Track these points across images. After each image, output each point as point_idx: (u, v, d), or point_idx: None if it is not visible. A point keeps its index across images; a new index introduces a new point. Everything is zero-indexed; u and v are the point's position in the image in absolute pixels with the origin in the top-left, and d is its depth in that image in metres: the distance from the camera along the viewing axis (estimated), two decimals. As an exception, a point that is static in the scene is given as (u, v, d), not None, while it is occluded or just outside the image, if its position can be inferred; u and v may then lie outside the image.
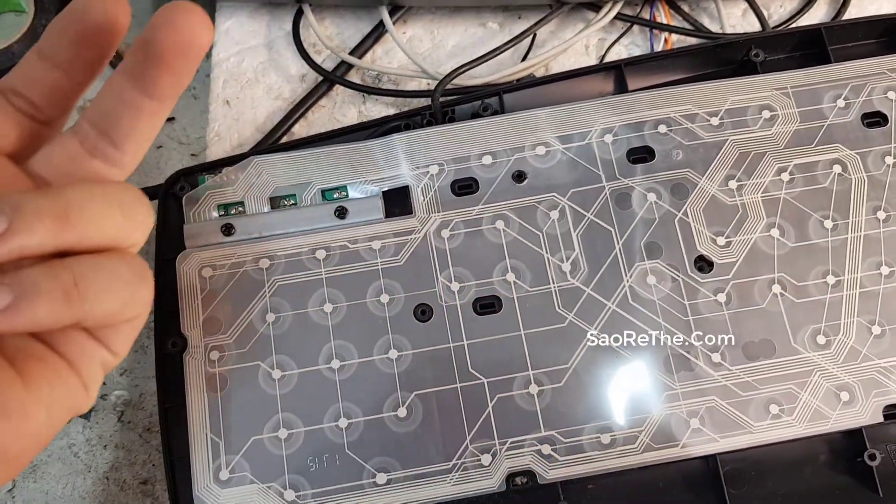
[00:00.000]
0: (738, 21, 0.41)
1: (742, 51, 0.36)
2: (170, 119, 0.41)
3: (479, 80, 0.39)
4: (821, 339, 0.31)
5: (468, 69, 0.37)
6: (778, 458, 0.31)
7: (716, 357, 0.31)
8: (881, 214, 0.33)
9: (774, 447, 0.31)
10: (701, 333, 0.31)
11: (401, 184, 0.34)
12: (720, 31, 0.40)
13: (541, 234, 0.33)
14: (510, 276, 0.32)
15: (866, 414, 0.31)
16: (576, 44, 0.40)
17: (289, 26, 0.41)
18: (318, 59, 0.40)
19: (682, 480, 0.31)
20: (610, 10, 0.40)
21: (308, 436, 0.30)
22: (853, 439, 0.31)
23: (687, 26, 0.40)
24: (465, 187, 0.34)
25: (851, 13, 0.41)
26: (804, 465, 0.31)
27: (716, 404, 0.31)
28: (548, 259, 0.33)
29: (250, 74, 0.40)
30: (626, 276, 0.32)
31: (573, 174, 0.34)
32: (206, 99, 0.39)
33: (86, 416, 0.36)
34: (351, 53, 0.40)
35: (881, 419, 0.31)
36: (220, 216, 0.34)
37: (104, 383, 0.36)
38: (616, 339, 0.31)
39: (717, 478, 0.31)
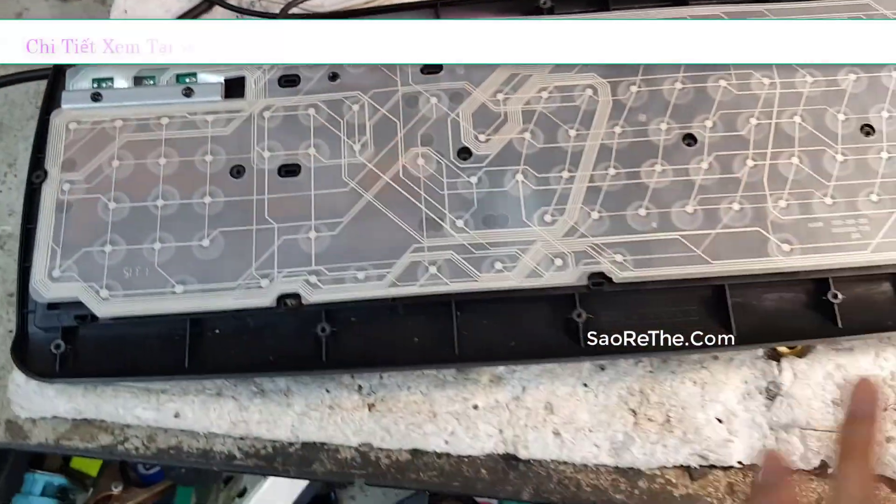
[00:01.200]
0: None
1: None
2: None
3: (327, 8, 0.47)
4: (548, 218, 0.39)
5: (316, -3, 0.46)
6: (506, 308, 0.39)
7: (460, 223, 0.39)
8: (617, 129, 0.41)
9: (505, 304, 0.39)
10: (453, 204, 0.39)
11: (239, 75, 0.42)
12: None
13: (342, 122, 0.41)
14: (311, 151, 0.41)
15: (574, 278, 0.38)
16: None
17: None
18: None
19: (423, 316, 0.39)
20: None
21: (128, 253, 0.38)
22: (566, 300, 0.38)
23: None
24: (290, 81, 0.42)
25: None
26: (525, 315, 0.39)
27: (452, 257, 0.38)
28: (343, 140, 0.41)
29: (148, -9, 0.49)
30: (402, 157, 0.40)
31: (376, 79, 0.42)
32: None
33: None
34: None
35: (586, 283, 0.38)
36: (92, 87, 0.42)
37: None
38: (384, 203, 0.39)
39: (451, 316, 0.38)
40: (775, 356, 0.40)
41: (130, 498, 0.49)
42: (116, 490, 0.49)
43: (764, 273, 0.38)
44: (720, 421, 0.39)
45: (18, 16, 0.52)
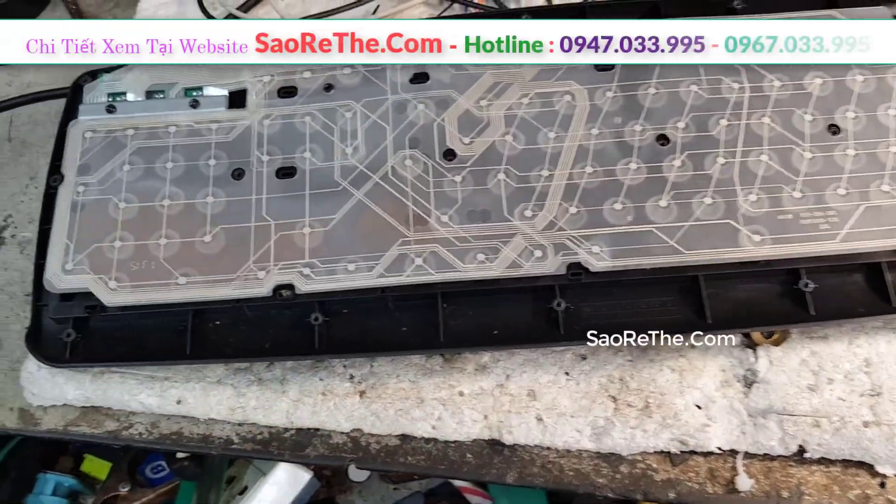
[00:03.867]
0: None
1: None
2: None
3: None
4: (528, 213, 0.41)
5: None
6: (490, 300, 0.41)
7: (444, 218, 0.41)
8: (594, 131, 0.43)
9: (489, 296, 0.41)
10: (439, 201, 0.42)
11: (242, 87, 0.46)
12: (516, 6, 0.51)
13: (335, 128, 0.44)
14: (307, 154, 0.43)
15: (552, 268, 0.40)
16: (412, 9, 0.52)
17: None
18: (213, 12, 0.53)
19: (412, 308, 0.41)
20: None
21: (136, 248, 0.41)
22: (547, 291, 0.40)
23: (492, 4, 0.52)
24: (288, 93, 0.45)
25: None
26: (508, 306, 0.41)
27: (438, 250, 0.40)
28: (336, 144, 0.44)
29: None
30: (391, 159, 0.43)
31: (368, 88, 0.45)
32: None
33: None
34: (238, 8, 0.53)
35: (565, 272, 0.40)
36: (107, 101, 0.46)
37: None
38: (374, 200, 0.42)
39: (437, 307, 0.40)
40: (751, 345, 0.41)
41: (137, 498, 0.51)
42: (124, 490, 0.51)
43: (736, 262, 0.40)
44: (699, 407, 0.40)
45: None
